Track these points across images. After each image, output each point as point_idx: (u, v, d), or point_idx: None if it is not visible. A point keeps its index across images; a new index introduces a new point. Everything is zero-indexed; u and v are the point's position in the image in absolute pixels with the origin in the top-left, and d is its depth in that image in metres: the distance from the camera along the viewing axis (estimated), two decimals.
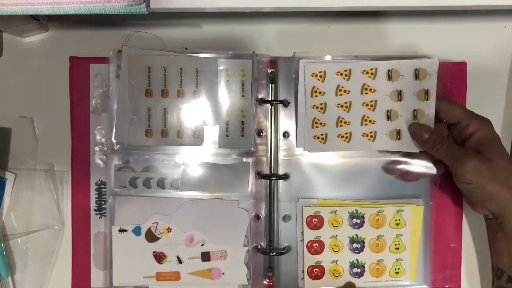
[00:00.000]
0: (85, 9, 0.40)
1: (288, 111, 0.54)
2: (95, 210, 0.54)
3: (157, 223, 0.54)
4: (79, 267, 0.54)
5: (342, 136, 0.52)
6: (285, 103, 0.53)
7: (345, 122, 0.52)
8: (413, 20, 0.56)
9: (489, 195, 0.47)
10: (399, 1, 0.45)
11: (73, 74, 0.54)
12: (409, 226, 0.55)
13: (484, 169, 0.47)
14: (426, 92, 0.51)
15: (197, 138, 0.53)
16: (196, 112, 0.53)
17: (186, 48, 0.53)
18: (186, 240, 0.54)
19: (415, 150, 0.52)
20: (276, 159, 0.54)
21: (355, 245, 0.55)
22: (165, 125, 0.52)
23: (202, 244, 0.54)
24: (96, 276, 0.55)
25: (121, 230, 0.53)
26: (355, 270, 0.55)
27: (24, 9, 0.40)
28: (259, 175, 0.54)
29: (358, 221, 0.54)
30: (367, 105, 0.52)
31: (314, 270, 0.55)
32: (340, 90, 0.52)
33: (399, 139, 0.52)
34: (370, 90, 0.52)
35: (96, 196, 0.55)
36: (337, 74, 0.51)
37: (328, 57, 0.53)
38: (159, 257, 0.54)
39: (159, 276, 0.54)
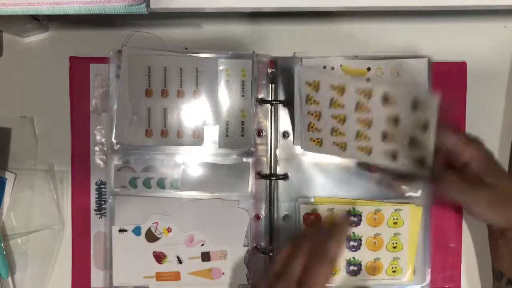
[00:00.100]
0: (85, 9, 0.40)
1: (288, 111, 0.54)
2: (95, 210, 0.54)
3: (157, 223, 0.54)
4: (79, 267, 0.54)
5: (338, 144, 0.50)
6: (285, 103, 0.53)
7: (340, 133, 0.50)
8: (413, 20, 0.56)
9: (497, 216, 0.48)
10: (399, 1, 0.45)
11: (73, 74, 0.54)
12: (407, 225, 0.55)
13: (493, 199, 0.47)
14: (425, 124, 0.47)
15: (197, 138, 0.53)
16: (196, 112, 0.53)
17: (186, 48, 0.53)
18: (186, 240, 0.54)
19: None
20: (276, 159, 0.54)
21: (352, 243, 0.55)
22: (165, 125, 0.52)
23: (202, 244, 0.54)
24: (96, 276, 0.55)
25: (121, 230, 0.53)
26: (351, 268, 0.55)
27: (24, 9, 0.40)
28: (259, 175, 0.54)
29: (355, 219, 0.54)
30: (362, 121, 0.49)
31: None
32: (335, 103, 0.50)
33: (395, 160, 0.49)
34: (365, 108, 0.49)
35: (96, 196, 0.55)
36: (331, 88, 0.49)
37: (328, 58, 0.53)
38: (159, 257, 0.54)
39: (159, 276, 0.54)
